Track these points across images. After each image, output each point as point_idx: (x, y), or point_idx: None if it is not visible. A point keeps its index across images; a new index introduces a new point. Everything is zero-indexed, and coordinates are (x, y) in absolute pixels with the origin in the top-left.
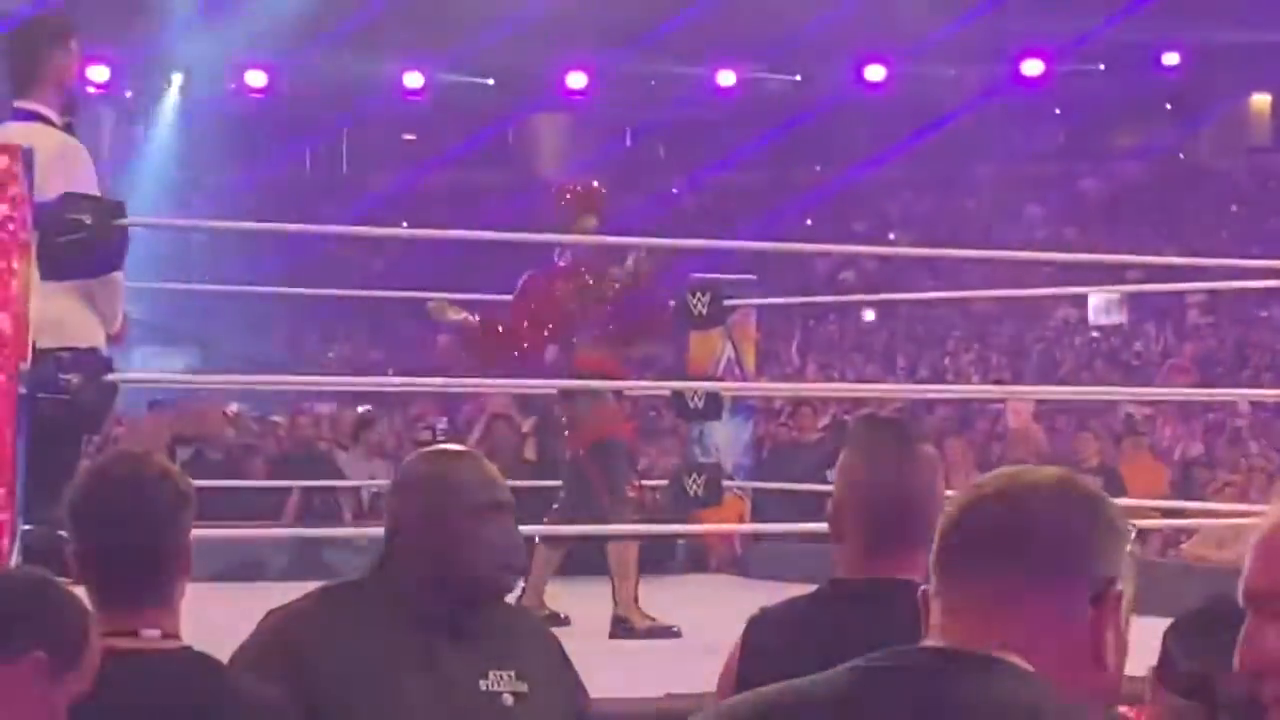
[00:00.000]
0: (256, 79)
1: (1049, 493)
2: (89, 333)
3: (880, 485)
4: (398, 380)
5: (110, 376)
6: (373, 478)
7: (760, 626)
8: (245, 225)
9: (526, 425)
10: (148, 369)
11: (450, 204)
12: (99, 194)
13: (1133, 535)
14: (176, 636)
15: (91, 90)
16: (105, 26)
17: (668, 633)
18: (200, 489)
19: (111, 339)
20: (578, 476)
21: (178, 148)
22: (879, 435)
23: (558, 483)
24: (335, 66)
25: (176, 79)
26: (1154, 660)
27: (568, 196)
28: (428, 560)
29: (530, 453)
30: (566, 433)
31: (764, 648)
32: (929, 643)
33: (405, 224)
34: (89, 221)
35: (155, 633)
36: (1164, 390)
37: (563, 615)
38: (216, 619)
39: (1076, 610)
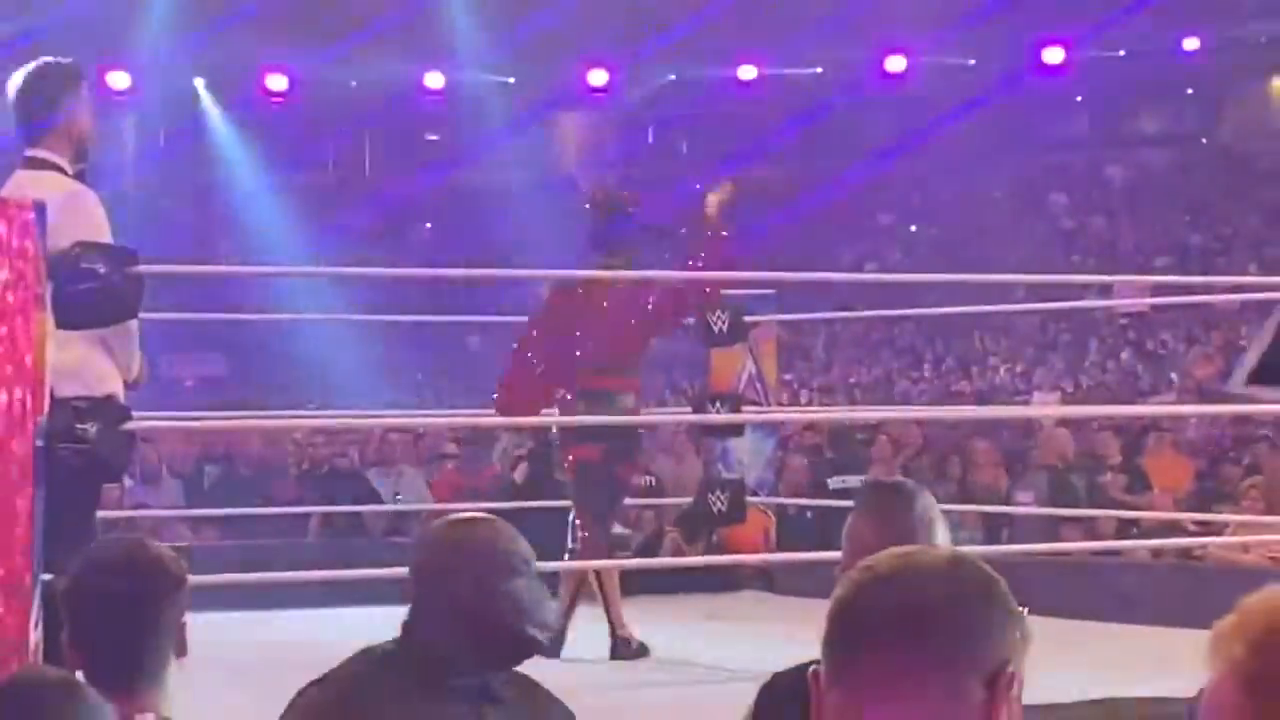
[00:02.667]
0: (277, 83)
1: (941, 575)
2: (106, 380)
3: None
4: (443, 414)
5: (129, 425)
6: (397, 493)
7: (771, 694)
8: (265, 271)
9: (521, 449)
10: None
11: (473, 203)
12: (111, 241)
13: (1025, 615)
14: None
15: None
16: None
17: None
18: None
19: (128, 385)
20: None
21: (200, 152)
22: (886, 499)
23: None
24: (356, 68)
25: (199, 83)
26: (1186, 678)
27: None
28: (461, 622)
29: (520, 476)
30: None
31: (774, 717)
32: None
33: (428, 225)
34: (103, 270)
35: (150, 716)
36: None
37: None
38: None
39: (970, 693)
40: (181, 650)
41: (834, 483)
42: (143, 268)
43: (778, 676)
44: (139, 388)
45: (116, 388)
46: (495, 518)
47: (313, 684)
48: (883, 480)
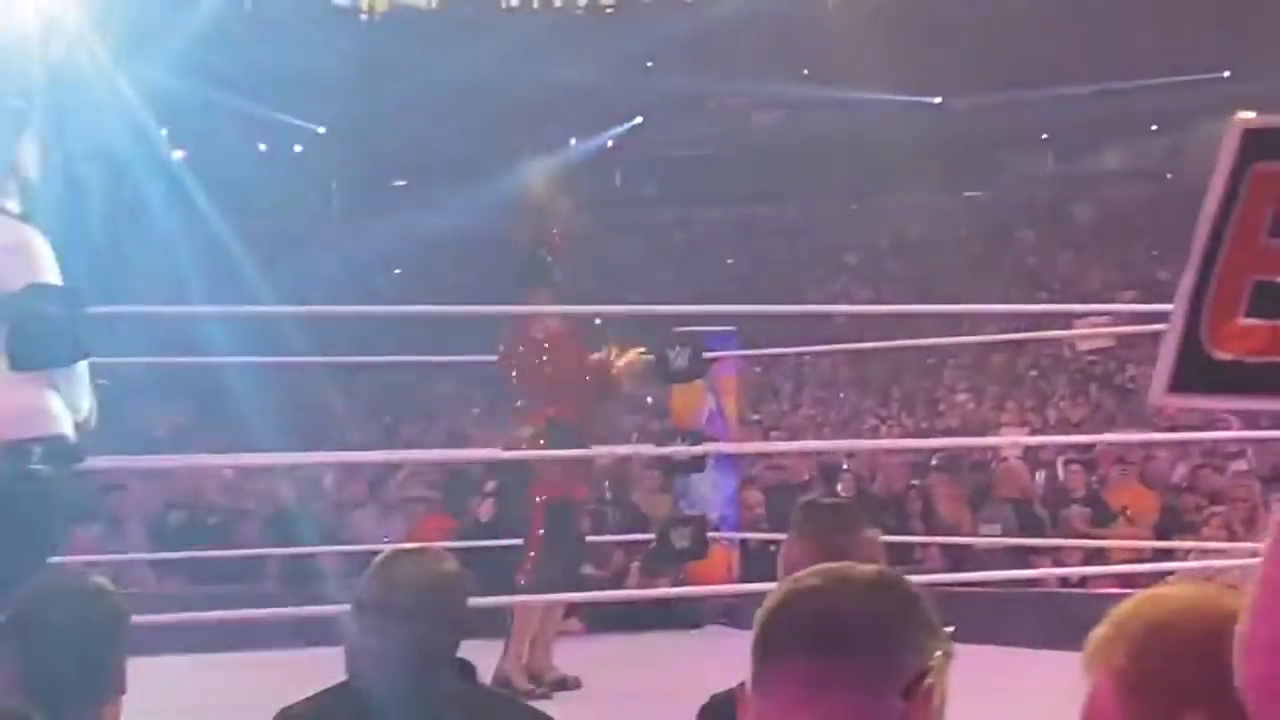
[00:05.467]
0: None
1: (864, 589)
2: (57, 421)
3: None
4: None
5: (83, 465)
6: (386, 536)
7: (708, 715)
8: (235, 310)
9: (488, 486)
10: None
11: (444, 249)
12: (60, 281)
13: (948, 634)
14: None
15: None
16: None
17: (544, 696)
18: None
19: (79, 426)
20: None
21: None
22: (824, 521)
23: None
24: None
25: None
26: None
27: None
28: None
29: (485, 514)
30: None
31: None
32: None
33: (398, 271)
34: (56, 312)
35: None
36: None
37: (571, 679)
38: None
39: (888, 705)
40: (121, 687)
41: None
42: (97, 309)
43: (715, 697)
44: (89, 430)
45: (68, 429)
46: (410, 555)
47: (285, 709)
48: (818, 501)
